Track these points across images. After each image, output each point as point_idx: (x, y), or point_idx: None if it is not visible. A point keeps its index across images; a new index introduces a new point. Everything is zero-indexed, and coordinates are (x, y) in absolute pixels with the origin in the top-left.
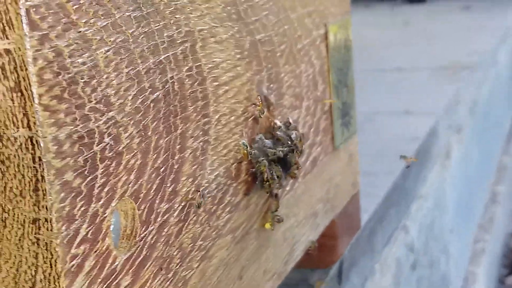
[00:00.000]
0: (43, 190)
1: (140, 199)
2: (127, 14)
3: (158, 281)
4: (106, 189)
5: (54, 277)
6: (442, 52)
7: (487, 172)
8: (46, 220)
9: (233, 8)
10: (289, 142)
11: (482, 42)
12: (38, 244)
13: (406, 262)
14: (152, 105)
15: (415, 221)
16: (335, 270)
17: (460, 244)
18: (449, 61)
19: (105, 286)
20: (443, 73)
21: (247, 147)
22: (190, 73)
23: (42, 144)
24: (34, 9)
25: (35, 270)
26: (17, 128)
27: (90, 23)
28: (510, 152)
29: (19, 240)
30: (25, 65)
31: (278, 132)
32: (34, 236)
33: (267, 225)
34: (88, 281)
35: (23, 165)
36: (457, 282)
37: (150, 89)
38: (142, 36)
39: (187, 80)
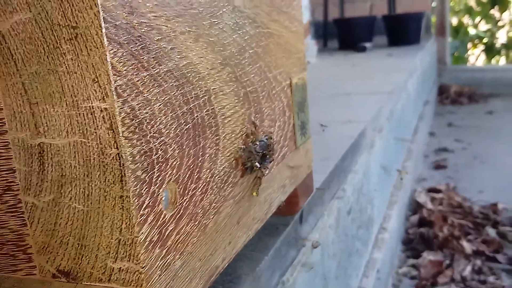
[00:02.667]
0: (124, 181)
1: (179, 183)
2: (171, 84)
3: (189, 226)
4: (159, 178)
5: (131, 226)
6: (373, 83)
7: (400, 154)
8: (127, 196)
9: (233, 74)
10: (267, 146)
11: (398, 76)
12: (123, 209)
13: (344, 209)
14: (185, 131)
15: (350, 185)
16: (298, 216)
17: (381, 198)
18: (377, 88)
19: (159, 230)
20: (373, 96)
21: (242, 151)
22: (208, 112)
23: (124, 157)
24: (119, 87)
25: (121, 222)
26: (111, 148)
27: (150, 91)
28: (415, 141)
29: (113, 207)
30: (114, 116)
31: (259, 141)
32: (121, 205)
33: (254, 193)
34: (150, 227)
35: (115, 168)
36: (378, 221)
37: (184, 123)
38: (179, 95)
39: (206, 116)
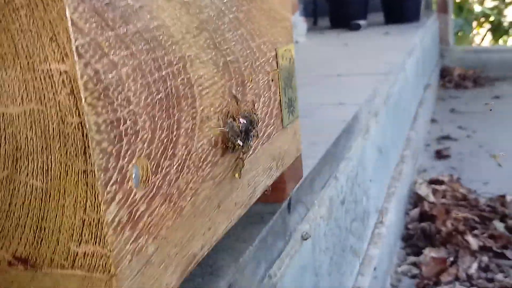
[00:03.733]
0: (89, 153)
1: (151, 159)
2: (140, 47)
3: (163, 208)
4: (128, 152)
5: (97, 204)
6: (368, 63)
7: (398, 142)
8: (91, 171)
9: (211, 40)
10: (251, 123)
11: (395, 56)
12: (87, 185)
13: (336, 199)
14: (157, 102)
15: (343, 174)
16: (285, 204)
17: (377, 189)
18: (371, 69)
19: (128, 210)
20: (367, 77)
21: (222, 127)
22: (182, 82)
23: (87, 126)
24: (80, 46)
25: (85, 200)
26: (72, 116)
27: (116, 53)
28: (414, 129)
29: (76, 183)
30: (76, 80)
31: (242, 118)
32: (85, 181)
33: (236, 175)
34: (118, 207)
35: (77, 139)
36: (374, 214)
37: (156, 92)
38: (150, 60)
39: (180, 86)
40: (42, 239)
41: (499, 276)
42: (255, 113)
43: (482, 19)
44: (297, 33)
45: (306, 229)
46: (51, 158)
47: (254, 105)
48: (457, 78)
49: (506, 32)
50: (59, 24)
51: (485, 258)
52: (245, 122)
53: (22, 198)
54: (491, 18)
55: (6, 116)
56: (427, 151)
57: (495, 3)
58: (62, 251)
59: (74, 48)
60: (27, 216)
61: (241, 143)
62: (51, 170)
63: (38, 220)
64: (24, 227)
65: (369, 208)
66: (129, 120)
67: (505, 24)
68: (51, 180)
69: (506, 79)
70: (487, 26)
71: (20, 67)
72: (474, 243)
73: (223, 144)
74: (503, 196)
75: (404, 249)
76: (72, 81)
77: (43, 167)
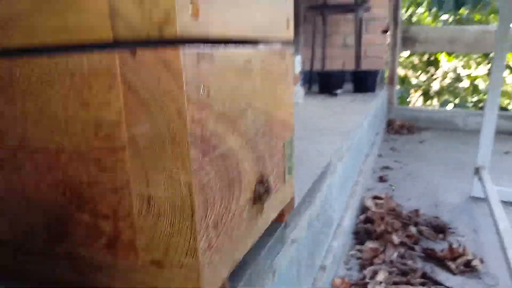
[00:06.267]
0: (193, 221)
1: (218, 215)
2: (219, 162)
3: (222, 237)
4: (207, 215)
5: (194, 249)
6: (340, 122)
7: (354, 172)
8: (194, 235)
9: (251, 147)
10: (266, 189)
11: (357, 118)
12: (191, 237)
13: (314, 216)
14: (225, 185)
15: (318, 199)
16: (284, 224)
17: (339, 204)
18: (341, 127)
19: (208, 240)
20: (338, 133)
21: (254, 191)
22: (236, 172)
23: (194, 203)
24: (194, 169)
25: (189, 242)
26: (188, 201)
27: (209, 168)
28: (366, 162)
29: (186, 233)
30: (191, 184)
31: (264, 184)
32: (191, 235)
33: (259, 215)
34: (203, 241)
35: (187, 214)
36: (336, 220)
37: (225, 180)
38: (223, 166)
39: (236, 175)
40: (168, 253)
41: (410, 262)
42: (270, 180)
43: (417, 88)
44: (298, 97)
45: (295, 236)
46: (175, 219)
47: (271, 175)
48: (397, 127)
49: (432, 98)
50: (186, 158)
51: (402, 250)
52: (266, 185)
53: (159, 235)
54: (423, 88)
55: (156, 197)
56: (373, 176)
57: (426, 78)
58: (177, 260)
59: (192, 169)
60: (161, 242)
61: (263, 199)
62: (174, 225)
63: (166, 247)
64: (159, 246)
65: (334, 217)
66: (210, 199)
67: (432, 92)
68: (174, 229)
69: (429, 129)
70: (419, 93)
71: (165, 174)
72: (396, 239)
73: (254, 198)
74: (417, 210)
75: (354, 240)
76: (189, 184)
77: (171, 223)
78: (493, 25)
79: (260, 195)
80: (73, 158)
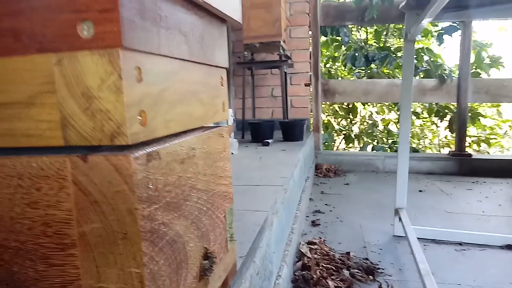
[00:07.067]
0: None
1: None
2: (167, 247)
3: None
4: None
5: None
6: (272, 175)
7: (289, 220)
8: None
9: (196, 226)
10: (211, 263)
11: (288, 170)
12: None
13: (254, 274)
14: (173, 268)
15: (258, 257)
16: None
17: (277, 256)
18: (274, 181)
19: None
20: (272, 187)
21: (200, 267)
22: (183, 253)
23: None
24: (145, 260)
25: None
26: None
27: (159, 256)
28: (299, 209)
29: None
30: (142, 276)
31: (209, 259)
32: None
33: (206, 286)
34: None
35: None
36: (276, 271)
37: (173, 264)
38: (170, 251)
39: (182, 256)
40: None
41: None
42: (215, 251)
43: (339, 133)
44: (233, 148)
45: None
46: None
47: (214, 246)
48: (325, 171)
49: (353, 141)
50: (137, 255)
51: None
52: (211, 258)
53: None
54: (344, 132)
55: None
56: (306, 220)
57: (346, 123)
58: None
59: (143, 262)
60: None
61: (208, 273)
62: None
63: None
64: None
65: (273, 270)
66: (162, 280)
67: (353, 136)
68: None
69: (353, 171)
70: (342, 137)
71: (117, 268)
72: (331, 285)
73: (200, 275)
74: (348, 253)
75: None
76: (141, 276)
77: None
78: (399, 79)
79: (205, 270)
80: (19, 255)
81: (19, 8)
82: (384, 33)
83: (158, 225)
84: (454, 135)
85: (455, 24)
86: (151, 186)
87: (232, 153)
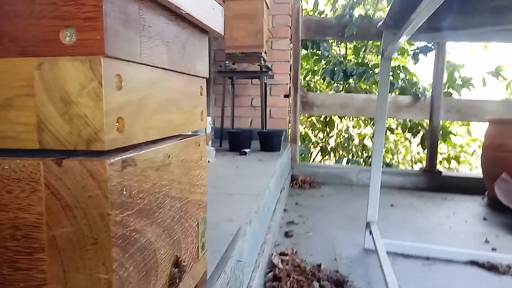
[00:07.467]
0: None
1: None
2: (137, 254)
3: None
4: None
5: None
6: (248, 185)
7: (263, 230)
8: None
9: (168, 234)
10: (180, 271)
11: (264, 180)
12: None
13: (225, 283)
14: (143, 275)
15: (229, 267)
16: None
17: (249, 267)
18: (250, 190)
19: None
20: (247, 197)
21: (170, 275)
22: (153, 260)
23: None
24: (116, 267)
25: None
26: None
27: (128, 262)
28: (273, 219)
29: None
30: (111, 281)
31: (179, 267)
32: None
33: None
34: None
35: None
36: (247, 282)
37: (143, 272)
38: (140, 257)
39: (153, 263)
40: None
41: None
42: (185, 259)
43: (316, 145)
44: (210, 156)
45: None
46: None
47: (185, 254)
48: (300, 182)
49: (329, 154)
50: (107, 260)
51: None
52: (181, 266)
53: None
54: (321, 144)
55: None
56: (280, 231)
57: (323, 136)
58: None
59: (113, 268)
60: None
61: (178, 281)
62: None
63: None
64: None
65: (244, 280)
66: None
67: (329, 148)
68: None
69: (328, 184)
70: (318, 149)
71: (85, 273)
72: None
73: (169, 283)
74: (319, 265)
75: None
76: (110, 282)
77: None
78: (376, 94)
79: (175, 278)
80: None
81: (3, 11)
82: (363, 49)
83: (130, 231)
84: (425, 151)
85: (430, 45)
86: (125, 192)
87: (208, 161)
